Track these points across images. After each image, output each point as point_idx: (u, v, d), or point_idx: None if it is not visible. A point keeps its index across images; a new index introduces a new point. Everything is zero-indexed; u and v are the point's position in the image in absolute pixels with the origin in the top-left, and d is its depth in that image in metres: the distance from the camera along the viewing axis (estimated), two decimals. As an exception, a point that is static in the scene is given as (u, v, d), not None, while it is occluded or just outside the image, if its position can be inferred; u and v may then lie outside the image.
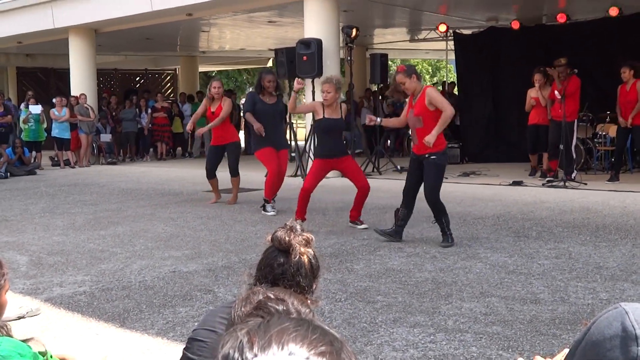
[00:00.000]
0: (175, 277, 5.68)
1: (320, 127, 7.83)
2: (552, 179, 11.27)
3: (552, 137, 11.54)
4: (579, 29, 14.57)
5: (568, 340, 3.96)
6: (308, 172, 8.02)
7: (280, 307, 1.40)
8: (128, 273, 5.86)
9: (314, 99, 12.73)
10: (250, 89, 32.82)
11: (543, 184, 11.00)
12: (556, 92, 11.19)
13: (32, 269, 6.09)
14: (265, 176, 9.29)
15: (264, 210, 8.98)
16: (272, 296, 1.43)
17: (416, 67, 7.13)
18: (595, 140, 12.91)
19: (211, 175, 9.97)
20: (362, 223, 7.81)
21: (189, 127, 10.56)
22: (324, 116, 7.73)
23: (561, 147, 11.00)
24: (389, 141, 19.38)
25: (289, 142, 9.60)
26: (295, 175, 13.02)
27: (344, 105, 7.92)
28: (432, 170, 6.72)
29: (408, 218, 6.98)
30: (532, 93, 12.17)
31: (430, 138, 6.56)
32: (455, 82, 20.08)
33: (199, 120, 10.45)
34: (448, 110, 6.61)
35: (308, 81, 12.80)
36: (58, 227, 8.26)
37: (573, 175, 11.11)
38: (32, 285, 5.51)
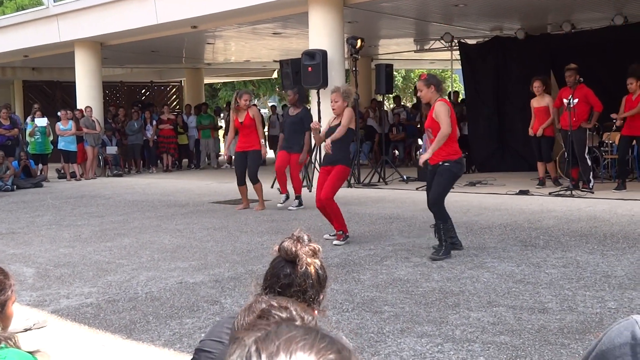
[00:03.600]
0: (181, 288, 5.68)
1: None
2: (563, 188, 11.15)
3: (568, 146, 11.45)
4: (584, 37, 14.56)
5: (577, 349, 3.94)
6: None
7: (284, 315, 1.39)
8: (134, 284, 5.85)
9: (318, 109, 12.76)
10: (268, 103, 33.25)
11: (550, 193, 10.97)
12: (565, 100, 11.13)
13: (38, 281, 6.09)
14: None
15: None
16: (275, 304, 1.42)
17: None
18: (602, 148, 12.88)
19: (241, 181, 10.37)
20: (338, 238, 7.46)
21: (226, 156, 11.79)
22: (329, 126, 7.75)
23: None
24: (396, 151, 19.40)
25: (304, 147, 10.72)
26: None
27: (347, 112, 7.58)
28: (443, 176, 6.67)
29: (452, 227, 6.86)
30: (534, 103, 12.10)
31: (424, 156, 6.75)
32: (459, 91, 20.09)
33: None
34: (443, 129, 6.53)
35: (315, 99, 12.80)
36: (64, 239, 8.27)
37: (591, 184, 11.06)
38: (38, 298, 5.51)
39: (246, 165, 10.25)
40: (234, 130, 10.37)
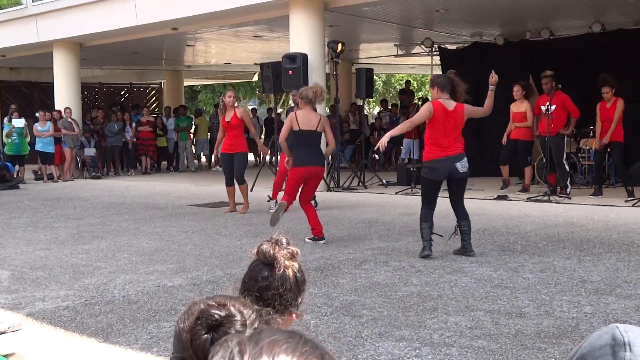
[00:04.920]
0: (159, 291, 5.64)
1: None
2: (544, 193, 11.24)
3: (546, 152, 11.55)
4: (562, 44, 14.70)
5: (553, 354, 3.96)
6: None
7: (223, 313, 1.39)
8: (112, 288, 5.81)
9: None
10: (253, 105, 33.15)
11: (528, 198, 11.05)
12: (542, 107, 11.22)
13: (14, 284, 6.02)
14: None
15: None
16: (213, 303, 1.43)
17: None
18: (579, 154, 13.01)
19: (229, 182, 10.37)
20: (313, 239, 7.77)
21: (214, 161, 11.52)
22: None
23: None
24: (376, 155, 19.44)
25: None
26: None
27: (320, 117, 7.77)
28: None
29: (465, 227, 6.97)
30: (513, 108, 12.19)
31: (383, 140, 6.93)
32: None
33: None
34: (402, 125, 7.07)
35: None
36: (41, 241, 8.19)
37: (568, 190, 11.17)
38: (14, 300, 5.44)
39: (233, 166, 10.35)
40: (223, 130, 10.39)
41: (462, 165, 6.82)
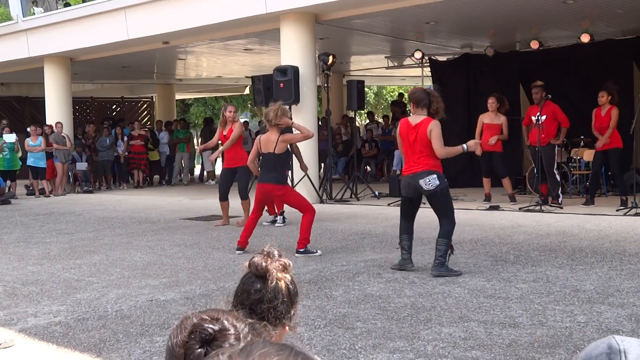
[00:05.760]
0: (152, 305, 5.62)
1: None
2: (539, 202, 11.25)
3: (537, 162, 11.58)
4: (552, 54, 14.80)
5: (547, 363, 3.96)
6: None
7: (217, 327, 1.39)
8: (104, 302, 5.78)
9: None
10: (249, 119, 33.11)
11: (520, 208, 11.08)
12: (533, 117, 11.28)
13: (5, 300, 5.99)
14: None
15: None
16: (206, 317, 1.42)
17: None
18: (570, 164, 13.06)
19: (223, 197, 10.32)
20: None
21: (212, 157, 11.33)
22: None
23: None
24: (368, 167, 19.48)
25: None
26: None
27: (277, 138, 7.82)
28: None
29: (439, 245, 6.62)
30: (485, 119, 12.21)
31: None
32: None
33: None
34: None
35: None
36: (33, 256, 8.15)
37: (560, 199, 11.20)
38: (6, 316, 5.41)
39: (231, 182, 10.29)
40: (217, 141, 10.48)
41: (426, 183, 6.52)
